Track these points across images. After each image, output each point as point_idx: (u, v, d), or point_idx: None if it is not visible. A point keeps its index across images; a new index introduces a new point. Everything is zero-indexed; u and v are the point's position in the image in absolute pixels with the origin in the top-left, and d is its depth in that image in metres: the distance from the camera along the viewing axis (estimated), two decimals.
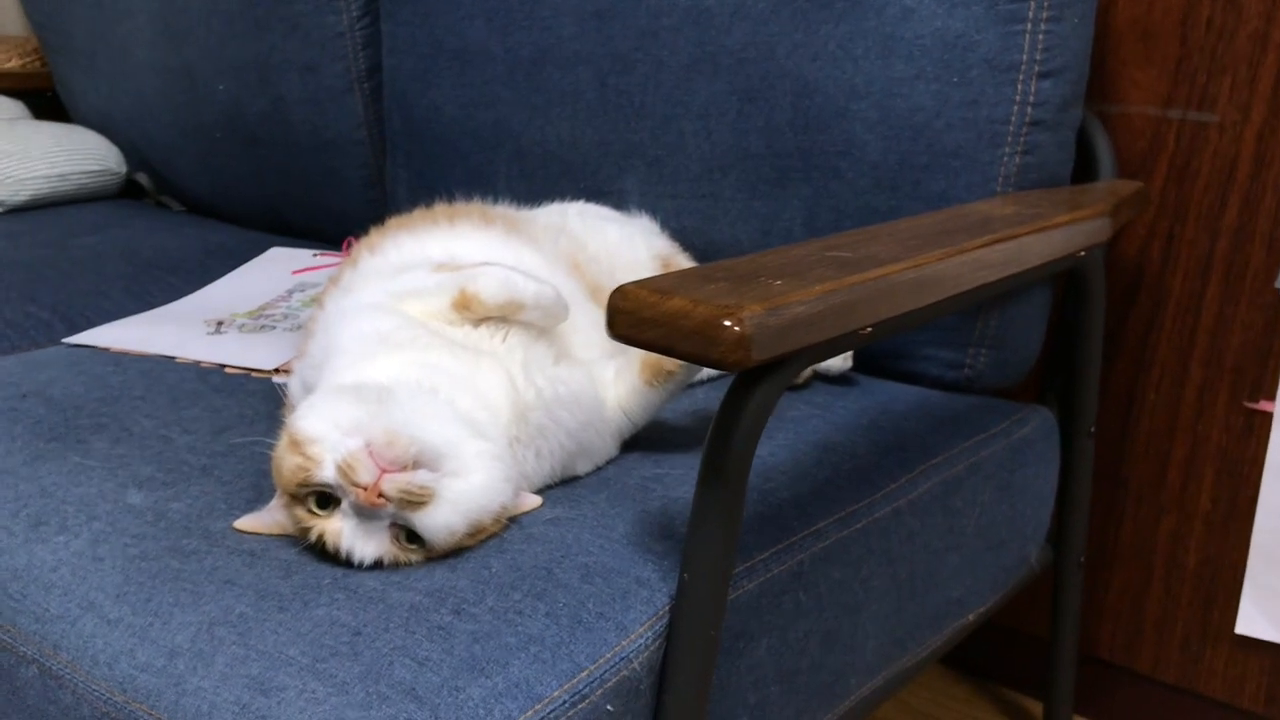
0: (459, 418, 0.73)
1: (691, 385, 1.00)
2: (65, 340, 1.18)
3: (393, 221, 0.98)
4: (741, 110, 1.12)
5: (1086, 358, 1.09)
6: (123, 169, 1.96)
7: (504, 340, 0.81)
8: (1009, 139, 1.00)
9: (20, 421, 0.93)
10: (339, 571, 0.70)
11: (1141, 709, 1.29)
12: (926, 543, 0.91)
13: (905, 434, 0.96)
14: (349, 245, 1.49)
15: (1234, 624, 1.20)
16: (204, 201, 1.89)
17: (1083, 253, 0.95)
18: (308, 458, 0.69)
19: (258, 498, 0.79)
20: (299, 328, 1.19)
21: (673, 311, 0.60)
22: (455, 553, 0.72)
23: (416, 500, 0.68)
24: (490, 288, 0.80)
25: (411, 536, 0.70)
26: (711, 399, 0.99)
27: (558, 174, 1.29)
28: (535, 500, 0.79)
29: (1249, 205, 1.11)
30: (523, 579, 0.70)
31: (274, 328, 1.20)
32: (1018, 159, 1.01)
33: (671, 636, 0.69)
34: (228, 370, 1.07)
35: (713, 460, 0.64)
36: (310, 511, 0.70)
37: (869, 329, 0.69)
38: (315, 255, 1.50)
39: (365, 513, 0.68)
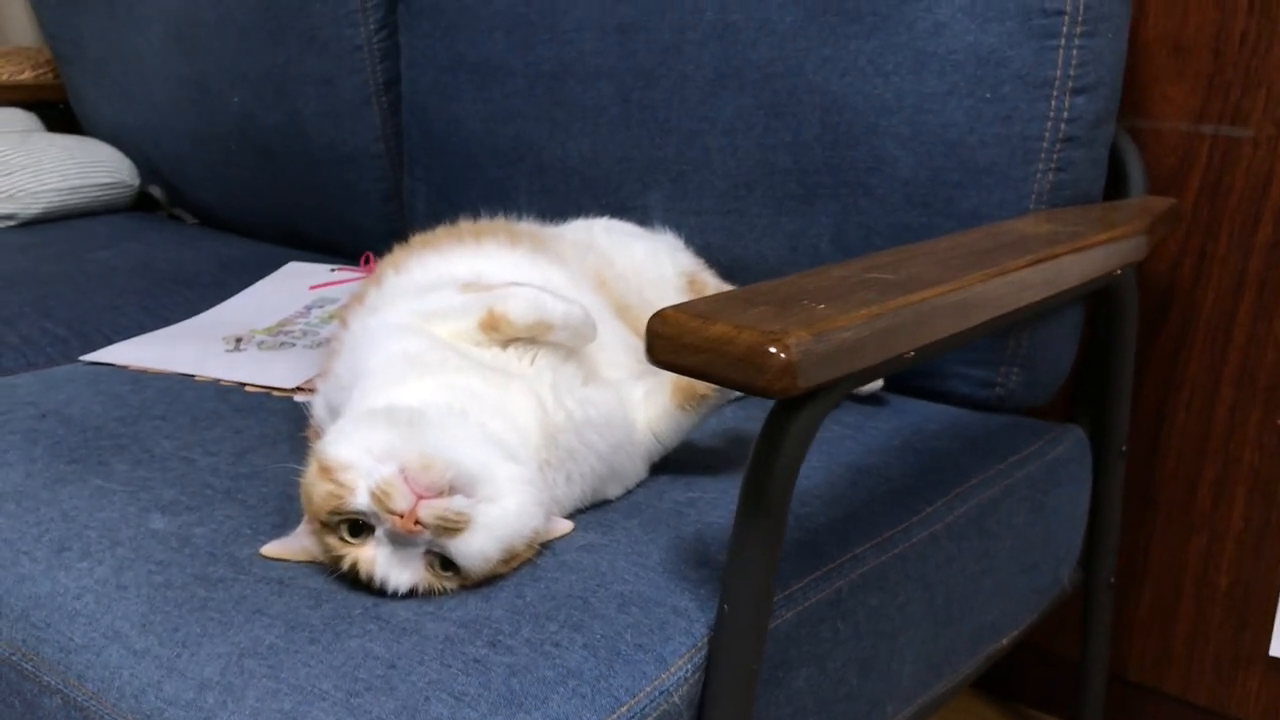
0: (491, 441, 0.72)
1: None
2: (83, 358, 1.17)
3: (417, 239, 0.96)
4: (768, 126, 1.11)
5: (1118, 376, 1.07)
6: (136, 181, 1.95)
7: (532, 362, 0.80)
8: (1042, 155, 0.99)
9: (40, 442, 0.91)
10: (369, 600, 0.69)
11: None
12: (963, 567, 0.89)
13: (940, 456, 0.95)
14: (367, 260, 1.48)
15: (1268, 646, 1.17)
16: (217, 214, 1.88)
17: (1118, 271, 0.94)
18: (340, 485, 0.68)
19: (283, 523, 0.78)
20: (318, 344, 1.18)
21: (716, 338, 0.59)
22: (488, 580, 0.70)
23: (453, 527, 0.66)
24: (519, 308, 0.79)
25: (446, 564, 0.68)
26: (739, 418, 0.98)
27: (579, 189, 1.27)
28: (567, 525, 0.77)
29: None
30: (558, 609, 0.68)
31: (293, 344, 1.19)
32: (1051, 176, 0.99)
33: (711, 669, 0.67)
34: (248, 389, 1.06)
35: (753, 490, 0.63)
36: (343, 540, 0.69)
37: (912, 353, 0.67)
38: (333, 270, 1.49)
39: (400, 540, 0.67)
